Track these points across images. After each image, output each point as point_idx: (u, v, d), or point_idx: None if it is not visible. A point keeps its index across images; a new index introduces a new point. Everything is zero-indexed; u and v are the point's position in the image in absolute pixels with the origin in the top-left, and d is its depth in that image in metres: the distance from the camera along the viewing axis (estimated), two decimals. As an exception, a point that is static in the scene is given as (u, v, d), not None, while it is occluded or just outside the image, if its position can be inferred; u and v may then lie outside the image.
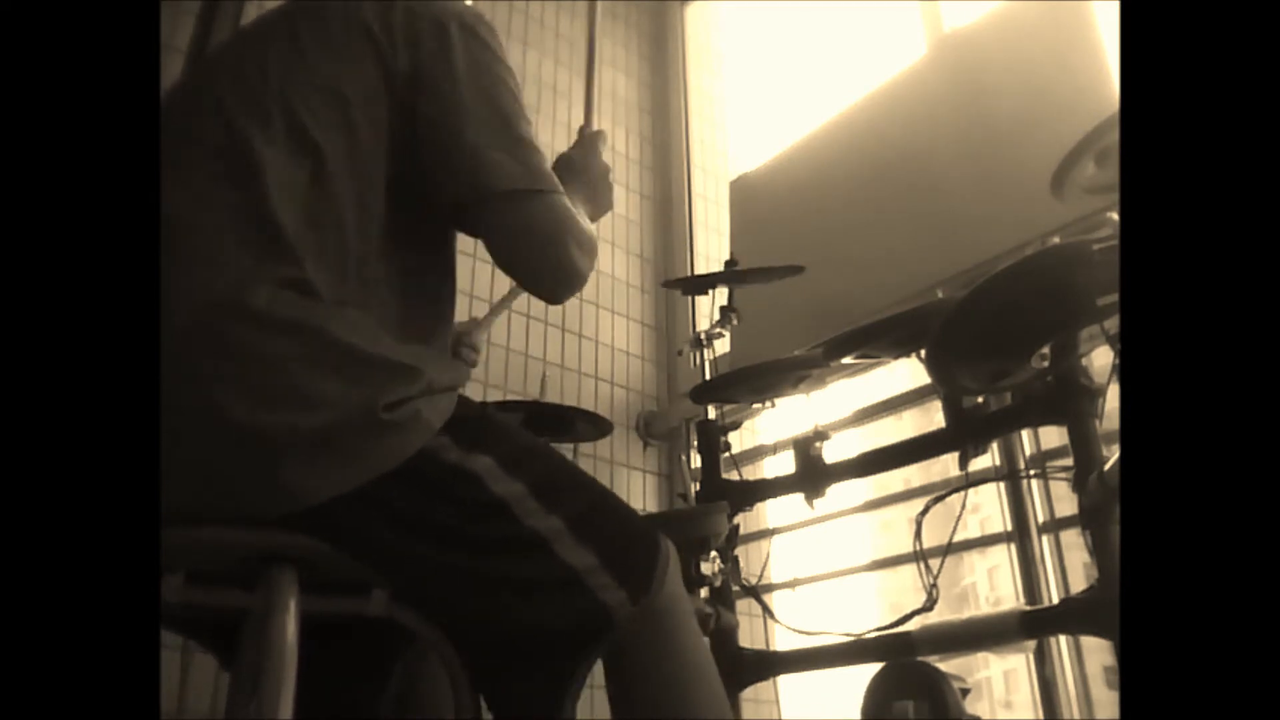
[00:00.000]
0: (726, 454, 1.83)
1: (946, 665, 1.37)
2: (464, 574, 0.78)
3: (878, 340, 1.50)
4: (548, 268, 0.91)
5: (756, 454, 2.15)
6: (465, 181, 0.88)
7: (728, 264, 1.74)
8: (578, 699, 0.78)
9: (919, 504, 1.56)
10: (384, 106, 0.89)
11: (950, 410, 1.45)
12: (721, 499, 1.65)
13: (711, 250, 2.77)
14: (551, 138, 2.61)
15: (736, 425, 2.06)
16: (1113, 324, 1.16)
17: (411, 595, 0.81)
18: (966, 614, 1.40)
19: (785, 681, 2.07)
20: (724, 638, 1.60)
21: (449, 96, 0.90)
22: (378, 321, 0.83)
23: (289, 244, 0.80)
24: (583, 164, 1.16)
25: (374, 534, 0.77)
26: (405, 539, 0.77)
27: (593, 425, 1.77)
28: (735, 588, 1.68)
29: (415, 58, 0.90)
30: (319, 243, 0.82)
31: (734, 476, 1.81)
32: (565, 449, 2.01)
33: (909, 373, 1.79)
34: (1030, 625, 1.29)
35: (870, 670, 1.42)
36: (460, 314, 2.27)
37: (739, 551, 1.70)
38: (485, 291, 2.19)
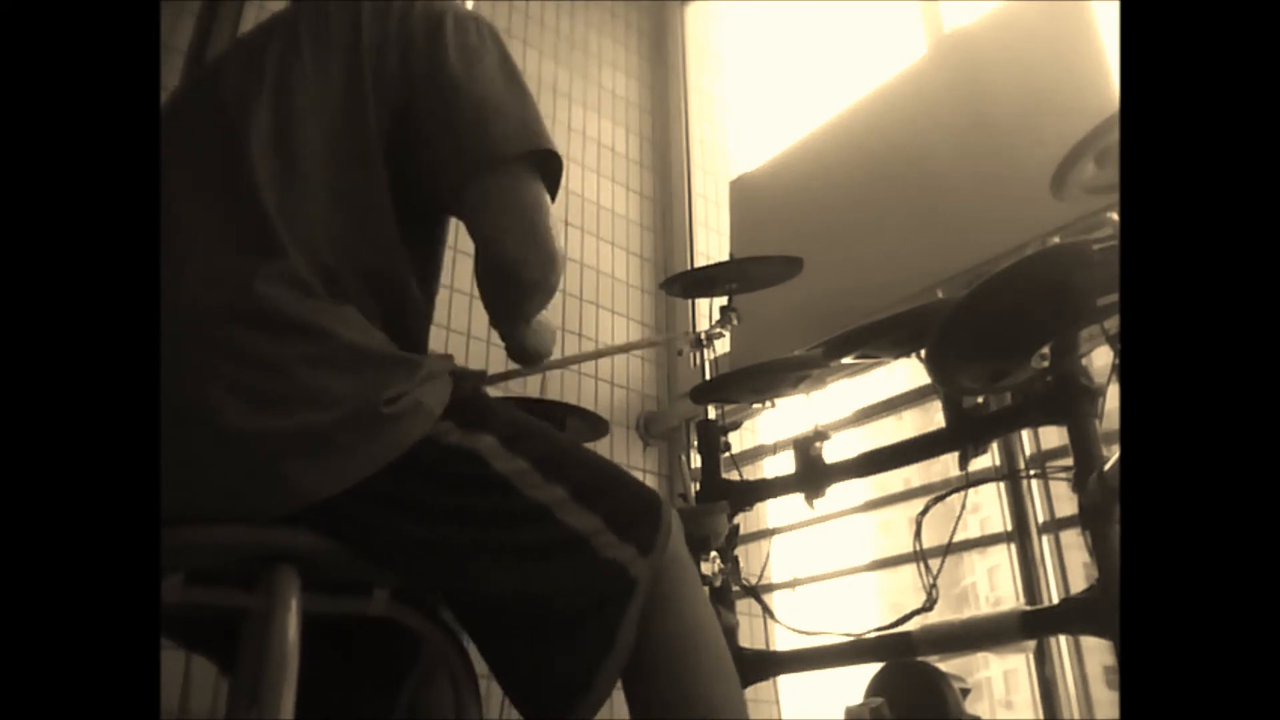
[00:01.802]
0: (726, 454, 1.83)
1: (946, 665, 1.37)
2: (470, 551, 0.78)
3: (878, 340, 1.50)
4: (536, 243, 0.89)
5: (756, 454, 2.15)
6: (466, 157, 0.88)
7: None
8: (612, 682, 0.76)
9: (919, 504, 1.56)
10: (375, 106, 0.89)
11: (950, 410, 1.45)
12: (721, 499, 1.65)
13: (711, 250, 2.77)
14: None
15: (736, 425, 2.07)
16: (1113, 324, 1.16)
17: (419, 581, 0.81)
18: (966, 614, 1.40)
19: (785, 681, 2.07)
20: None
21: (443, 83, 0.90)
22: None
23: (283, 244, 0.80)
24: None
25: (378, 523, 0.77)
26: (410, 524, 0.77)
27: (588, 424, 1.76)
28: (735, 588, 1.68)
29: (408, 56, 0.91)
30: (308, 242, 0.82)
31: (734, 476, 1.81)
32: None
33: (909, 373, 1.79)
34: (1030, 625, 1.29)
35: (870, 670, 1.42)
36: (459, 314, 2.26)
37: (739, 551, 1.70)
38: (485, 291, 2.18)
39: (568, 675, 0.76)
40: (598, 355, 1.51)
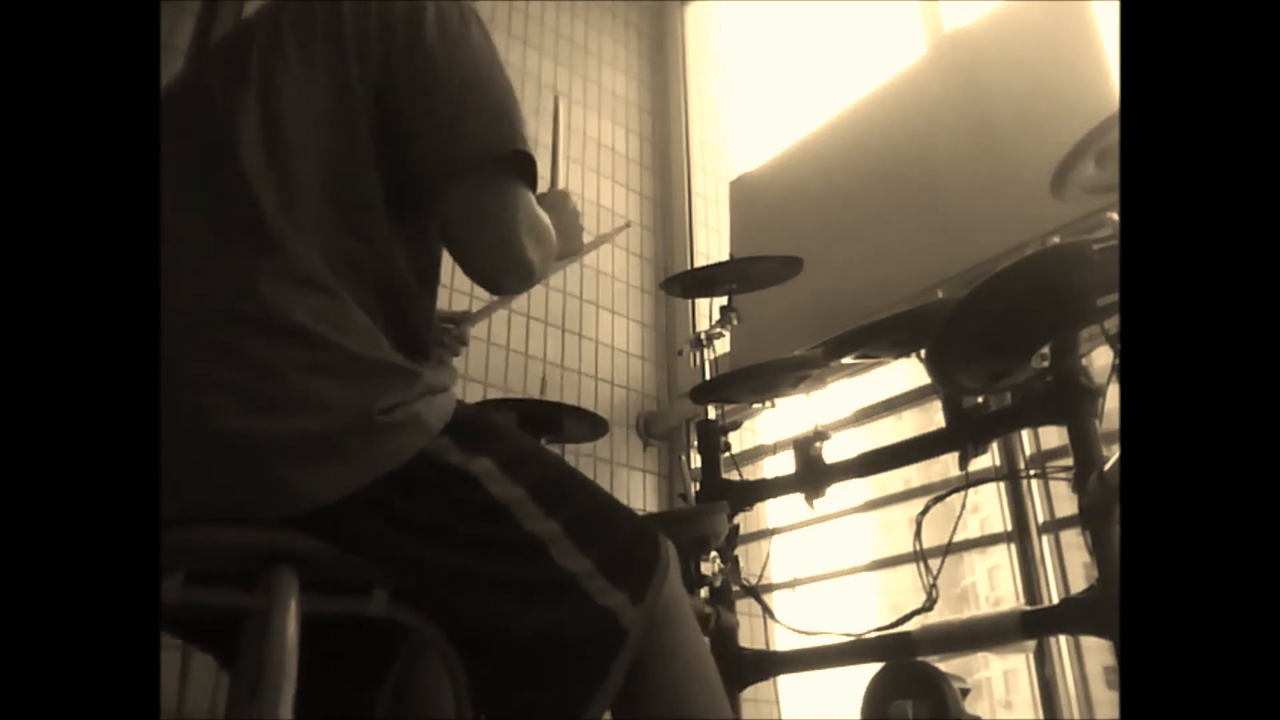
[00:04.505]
0: (726, 454, 1.83)
1: (946, 665, 1.37)
2: (462, 576, 0.77)
3: (878, 340, 1.50)
4: (507, 258, 0.89)
5: (756, 454, 2.15)
6: (441, 158, 0.87)
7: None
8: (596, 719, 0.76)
9: (919, 504, 1.56)
10: (363, 103, 0.88)
11: (950, 410, 1.45)
12: (721, 499, 1.65)
13: (711, 250, 2.77)
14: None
15: (736, 425, 2.07)
16: (1113, 324, 1.16)
17: (412, 597, 0.81)
18: (966, 614, 1.40)
19: (785, 681, 2.07)
20: (724, 638, 1.60)
21: (421, 78, 0.88)
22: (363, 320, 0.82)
23: (279, 244, 0.80)
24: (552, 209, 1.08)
25: (374, 535, 0.76)
26: (405, 540, 0.77)
27: (587, 425, 1.76)
28: (735, 588, 1.68)
29: (388, 46, 0.89)
30: (304, 242, 0.81)
31: (734, 476, 1.81)
32: (566, 450, 2.01)
33: (909, 373, 1.79)
34: (1030, 625, 1.29)
35: (870, 670, 1.42)
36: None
37: (739, 551, 1.70)
38: (486, 291, 2.18)
39: (551, 712, 0.75)
40: None
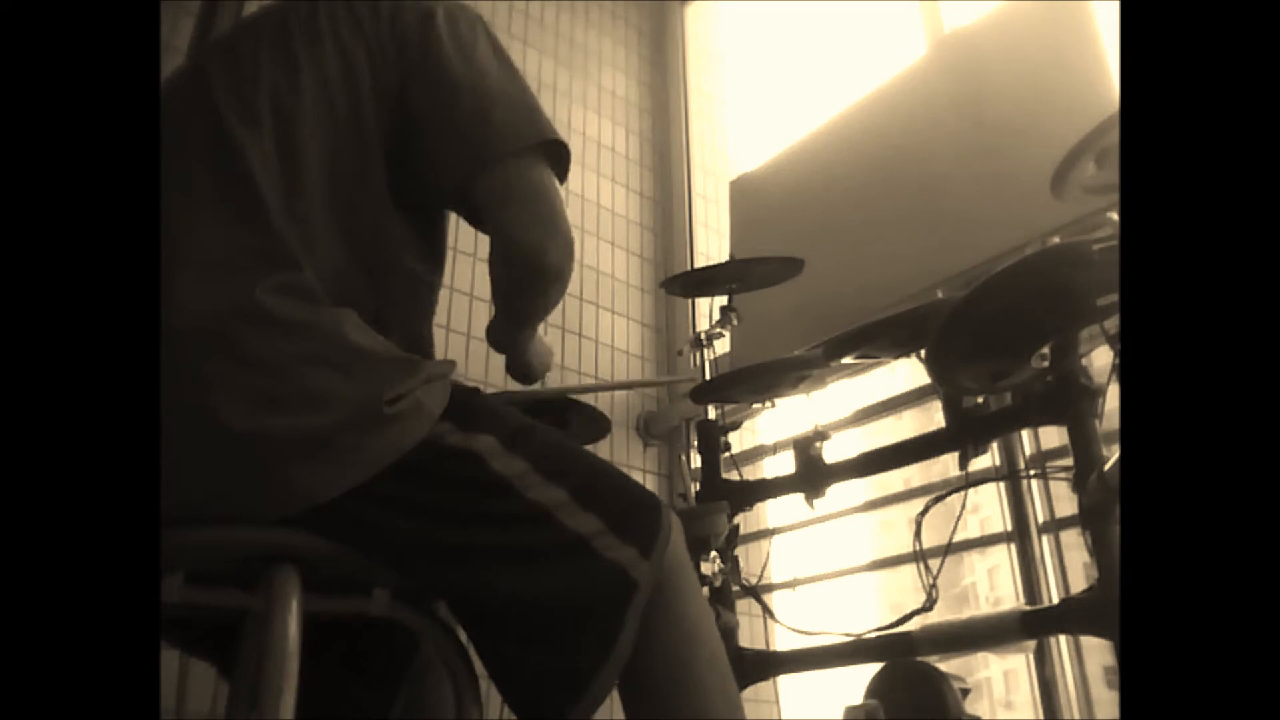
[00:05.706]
0: (726, 454, 1.83)
1: (946, 665, 1.37)
2: (470, 552, 0.78)
3: (878, 340, 1.50)
4: (556, 229, 0.90)
5: (756, 454, 2.15)
6: (471, 150, 0.89)
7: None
8: (610, 684, 0.76)
9: (919, 504, 1.56)
10: (373, 105, 0.89)
11: (950, 410, 1.45)
12: (721, 499, 1.65)
13: (711, 250, 2.77)
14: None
15: (736, 425, 2.07)
16: (1113, 324, 1.16)
17: (419, 582, 0.81)
18: (966, 614, 1.40)
19: (785, 681, 2.07)
20: (724, 638, 1.60)
21: (440, 78, 0.90)
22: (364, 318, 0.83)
23: (284, 246, 0.80)
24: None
25: (379, 523, 0.77)
26: (410, 524, 0.77)
27: (591, 421, 1.76)
28: (735, 588, 1.68)
29: (402, 51, 0.91)
30: (310, 243, 0.82)
31: (734, 476, 1.81)
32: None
33: (909, 373, 1.79)
34: (1030, 625, 1.29)
35: (870, 670, 1.42)
36: (459, 313, 2.26)
37: (739, 551, 1.70)
38: (486, 291, 2.19)
39: (565, 676, 0.75)
40: (600, 388, 1.57)
